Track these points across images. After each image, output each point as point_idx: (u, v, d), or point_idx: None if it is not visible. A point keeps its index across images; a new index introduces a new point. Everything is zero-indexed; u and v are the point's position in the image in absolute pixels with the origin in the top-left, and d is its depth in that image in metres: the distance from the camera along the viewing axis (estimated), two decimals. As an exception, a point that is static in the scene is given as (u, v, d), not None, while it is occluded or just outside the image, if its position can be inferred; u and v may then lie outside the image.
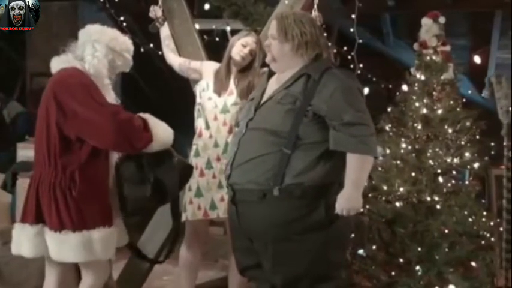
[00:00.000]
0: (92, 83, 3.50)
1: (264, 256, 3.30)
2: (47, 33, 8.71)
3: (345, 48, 6.04)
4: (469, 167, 4.55)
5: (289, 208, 3.19)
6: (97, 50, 3.56)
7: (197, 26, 5.19)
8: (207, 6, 5.89)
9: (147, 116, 3.58)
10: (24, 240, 3.46)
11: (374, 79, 8.24)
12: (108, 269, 3.62)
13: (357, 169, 3.18)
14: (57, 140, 3.42)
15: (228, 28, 5.47)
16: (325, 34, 3.69)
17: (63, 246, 3.35)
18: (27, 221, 3.46)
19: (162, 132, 3.57)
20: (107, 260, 3.59)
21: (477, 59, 6.59)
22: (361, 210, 3.32)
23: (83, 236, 3.35)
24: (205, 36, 5.57)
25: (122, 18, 6.14)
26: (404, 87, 4.75)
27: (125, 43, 3.72)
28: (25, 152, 6.30)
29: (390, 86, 7.65)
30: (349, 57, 5.11)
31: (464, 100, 4.78)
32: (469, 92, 6.25)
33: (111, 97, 3.65)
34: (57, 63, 3.60)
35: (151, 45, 5.00)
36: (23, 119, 8.47)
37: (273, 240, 3.23)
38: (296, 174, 3.16)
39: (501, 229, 4.93)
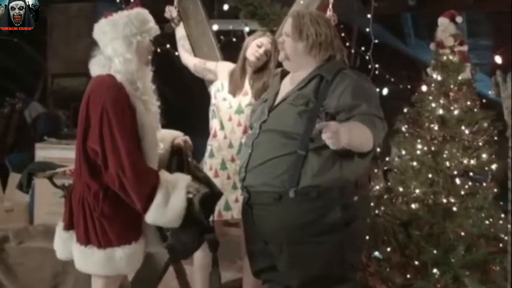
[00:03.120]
0: (121, 99, 3.24)
1: (279, 258, 3.26)
2: (67, 34, 8.78)
3: (363, 48, 6.01)
4: (486, 168, 4.48)
5: (305, 210, 3.14)
6: (117, 53, 3.30)
7: (215, 27, 5.20)
8: (226, 7, 5.90)
9: (166, 183, 3.27)
10: (58, 241, 3.45)
11: (392, 79, 8.20)
12: (120, 280, 3.56)
13: (358, 129, 3.00)
14: (83, 156, 3.29)
15: (247, 29, 5.45)
16: (343, 34, 3.66)
17: (88, 259, 3.29)
18: (63, 222, 3.42)
19: (161, 212, 3.23)
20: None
21: (498, 59, 6.49)
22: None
23: (106, 252, 3.26)
24: (222, 37, 5.58)
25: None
26: (424, 88, 4.71)
27: (137, 18, 3.36)
28: (43, 152, 6.36)
29: (409, 87, 7.60)
30: (367, 57, 5.09)
31: (484, 101, 4.72)
32: (489, 92, 6.17)
33: (150, 85, 3.43)
34: (94, 68, 3.38)
35: (168, 45, 5.02)
36: (43, 120, 8.49)
37: (289, 242, 3.19)
38: (312, 176, 3.10)
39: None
